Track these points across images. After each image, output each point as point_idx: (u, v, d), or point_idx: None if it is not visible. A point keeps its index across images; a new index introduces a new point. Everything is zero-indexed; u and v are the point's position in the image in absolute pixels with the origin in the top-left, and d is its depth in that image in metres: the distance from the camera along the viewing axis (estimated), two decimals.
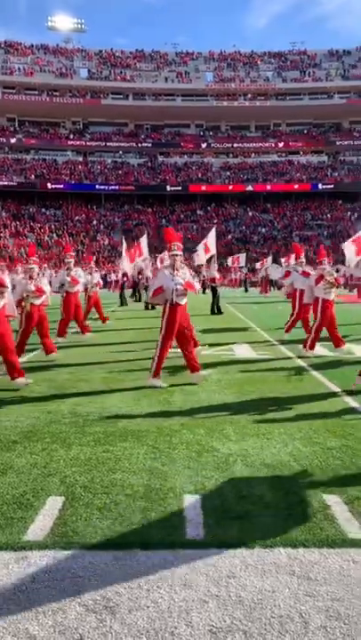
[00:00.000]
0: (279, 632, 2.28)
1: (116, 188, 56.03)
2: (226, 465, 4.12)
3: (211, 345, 10.32)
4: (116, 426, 5.18)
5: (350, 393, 6.34)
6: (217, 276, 17.82)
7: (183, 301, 6.88)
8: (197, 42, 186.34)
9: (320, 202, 57.31)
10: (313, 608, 2.43)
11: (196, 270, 36.79)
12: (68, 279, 10.90)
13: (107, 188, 55.82)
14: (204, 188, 56.86)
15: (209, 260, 19.63)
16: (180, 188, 56.51)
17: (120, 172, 57.80)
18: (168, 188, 56.40)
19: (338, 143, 60.57)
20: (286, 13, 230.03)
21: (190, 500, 3.51)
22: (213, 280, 17.71)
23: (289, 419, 5.36)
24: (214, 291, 17.54)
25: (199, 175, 58.26)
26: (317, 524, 3.18)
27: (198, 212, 56.88)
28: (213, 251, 17.46)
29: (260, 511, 3.34)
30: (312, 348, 8.92)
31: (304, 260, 11.19)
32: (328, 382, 6.95)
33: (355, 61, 61.31)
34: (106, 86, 58.14)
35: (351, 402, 5.99)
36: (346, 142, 60.55)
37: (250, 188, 56.87)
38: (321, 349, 9.34)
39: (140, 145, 60.33)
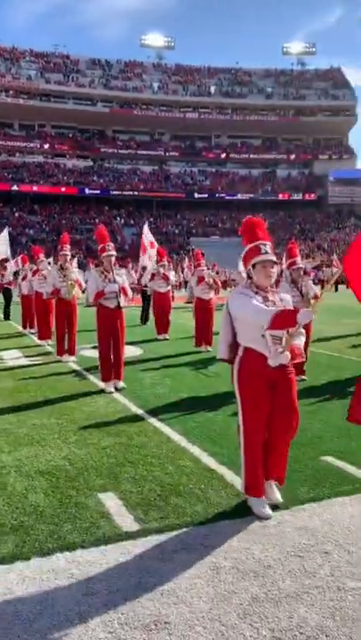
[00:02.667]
0: (60, 638, 2.28)
1: None
2: None
3: None
4: None
5: (121, 391, 6.63)
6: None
7: (114, 304, 6.75)
8: None
9: (88, 206, 58.27)
10: (92, 606, 2.48)
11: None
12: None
13: None
14: None
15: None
16: None
17: None
18: None
19: (102, 150, 62.34)
20: (49, 14, 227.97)
21: None
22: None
23: (64, 423, 5.36)
24: None
25: None
26: (94, 523, 3.26)
27: None
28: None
29: (35, 520, 3.29)
30: None
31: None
32: (102, 383, 7.07)
33: (116, 73, 63.91)
34: None
35: (123, 400, 6.27)
36: (110, 150, 62.67)
37: (15, 187, 54.95)
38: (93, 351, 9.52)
39: None
